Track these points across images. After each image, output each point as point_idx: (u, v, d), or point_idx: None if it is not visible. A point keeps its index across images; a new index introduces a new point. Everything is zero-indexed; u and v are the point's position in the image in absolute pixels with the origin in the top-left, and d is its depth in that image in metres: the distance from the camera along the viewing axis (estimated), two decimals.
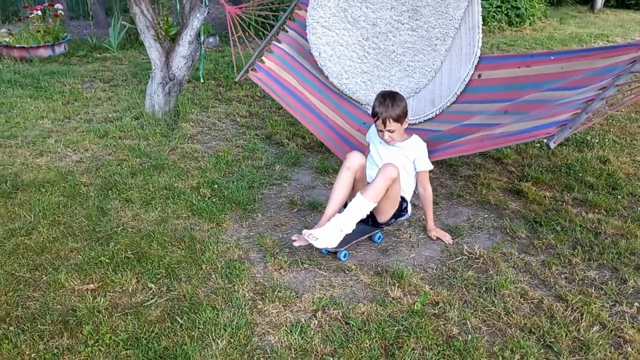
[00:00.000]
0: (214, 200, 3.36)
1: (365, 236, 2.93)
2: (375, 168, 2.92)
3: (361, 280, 2.66)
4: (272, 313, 2.39)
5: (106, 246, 2.80)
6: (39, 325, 2.22)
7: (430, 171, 3.03)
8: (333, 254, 2.83)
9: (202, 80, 5.93)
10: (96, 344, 2.15)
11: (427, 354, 2.18)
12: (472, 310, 2.44)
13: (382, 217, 2.90)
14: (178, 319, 2.30)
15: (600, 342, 2.23)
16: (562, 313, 2.42)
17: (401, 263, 2.80)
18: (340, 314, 2.40)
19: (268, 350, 2.17)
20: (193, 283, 2.56)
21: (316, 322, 2.35)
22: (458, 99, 3.63)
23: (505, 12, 9.91)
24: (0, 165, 3.67)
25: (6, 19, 8.17)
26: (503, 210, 3.36)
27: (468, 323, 2.36)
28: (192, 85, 5.85)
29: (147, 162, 3.82)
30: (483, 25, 9.35)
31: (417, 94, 3.81)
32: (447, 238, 3.03)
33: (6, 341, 2.12)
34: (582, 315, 2.41)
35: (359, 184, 2.90)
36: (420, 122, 3.74)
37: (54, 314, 2.30)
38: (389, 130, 2.83)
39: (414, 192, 3.10)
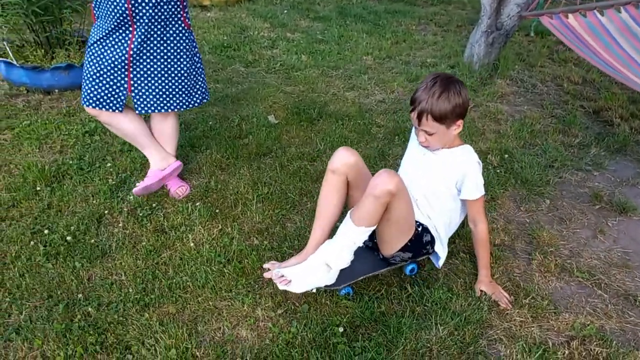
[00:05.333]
0: (499, 171, 2.96)
1: (384, 270, 2.10)
2: (404, 177, 2.02)
3: None
4: (514, 320, 1.99)
5: None
6: (284, 248, 2.34)
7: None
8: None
9: (532, 34, 5.29)
10: None
11: None
12: None
13: (385, 249, 2.04)
14: (408, 287, 2.12)
15: None
16: None
17: None
18: (604, 354, 1.84)
19: None
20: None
21: (567, 352, 1.86)
22: None
23: None
24: (317, 93, 3.96)
25: None
26: None
27: None
28: (528, 40, 5.27)
29: None
30: None
31: None
32: (504, 300, 2.03)
33: (254, 252, 2.29)
34: None
35: (356, 192, 2.04)
36: None
37: (302, 242, 2.37)
38: (424, 131, 1.95)
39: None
